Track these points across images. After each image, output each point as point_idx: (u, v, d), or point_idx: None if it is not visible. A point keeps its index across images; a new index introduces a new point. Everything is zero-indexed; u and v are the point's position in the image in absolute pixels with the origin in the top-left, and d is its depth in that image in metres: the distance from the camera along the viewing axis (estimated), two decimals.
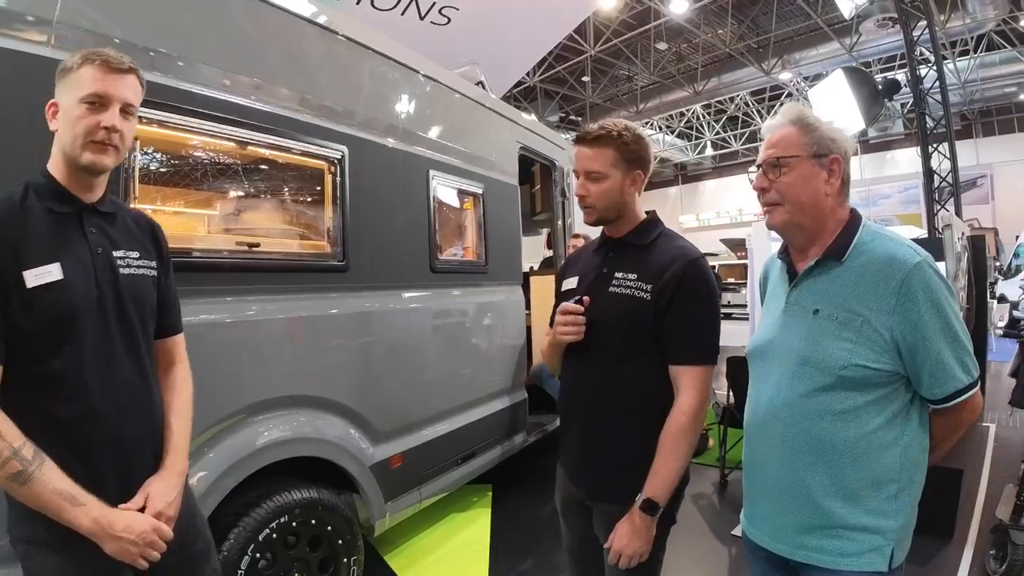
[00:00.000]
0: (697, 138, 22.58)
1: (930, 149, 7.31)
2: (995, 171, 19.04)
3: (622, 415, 1.56)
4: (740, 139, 22.12)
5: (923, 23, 7.47)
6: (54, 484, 1.17)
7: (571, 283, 1.71)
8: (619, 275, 1.58)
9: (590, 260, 1.71)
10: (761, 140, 1.38)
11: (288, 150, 2.40)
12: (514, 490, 4.24)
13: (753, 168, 1.37)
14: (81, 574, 1.26)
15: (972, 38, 13.94)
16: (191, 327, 1.96)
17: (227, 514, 2.07)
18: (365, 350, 2.70)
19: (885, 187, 16.39)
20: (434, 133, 3.26)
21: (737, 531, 3.49)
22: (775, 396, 1.31)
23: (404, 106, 3.05)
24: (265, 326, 2.26)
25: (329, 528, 2.35)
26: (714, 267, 12.00)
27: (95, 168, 1.27)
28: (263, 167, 2.42)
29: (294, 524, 2.22)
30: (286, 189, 2.56)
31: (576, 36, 14.03)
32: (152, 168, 2.06)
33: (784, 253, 1.41)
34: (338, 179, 2.58)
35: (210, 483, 1.99)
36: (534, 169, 5.21)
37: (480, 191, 3.65)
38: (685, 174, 27.01)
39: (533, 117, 5.42)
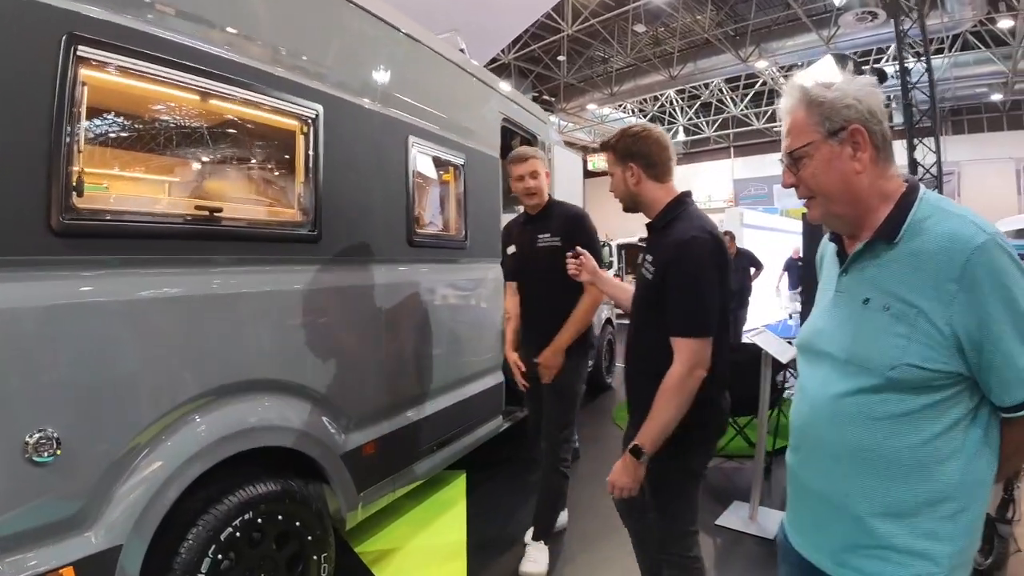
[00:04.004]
0: (670, 123, 22.54)
1: (915, 141, 7.36)
2: (962, 169, 19.47)
3: (641, 371, 1.90)
4: (712, 125, 22.19)
5: (903, 18, 7.43)
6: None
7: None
8: (647, 257, 1.89)
9: (646, 243, 2.01)
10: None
11: (257, 105, 2.14)
12: (489, 475, 4.09)
13: (780, 160, 1.21)
14: None
15: (948, 37, 14.09)
16: (137, 302, 1.76)
17: (184, 511, 1.85)
18: (337, 329, 2.48)
19: None
20: (415, 97, 3.02)
21: (721, 520, 3.42)
22: (818, 395, 1.15)
23: (384, 66, 2.80)
24: (226, 301, 2.01)
25: (298, 523, 2.15)
26: None
27: None
28: (228, 125, 2.16)
29: (259, 520, 2.01)
30: (253, 151, 2.32)
31: (554, 14, 13.79)
32: (101, 121, 1.80)
33: (835, 235, 1.24)
34: (311, 141, 2.33)
35: (163, 479, 1.76)
36: (514, 143, 4.98)
37: (461, 162, 3.42)
38: None
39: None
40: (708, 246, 1.74)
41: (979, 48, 15.06)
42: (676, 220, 1.83)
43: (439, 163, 3.26)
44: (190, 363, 1.89)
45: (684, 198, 1.89)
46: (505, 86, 4.21)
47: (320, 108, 2.35)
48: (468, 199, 3.51)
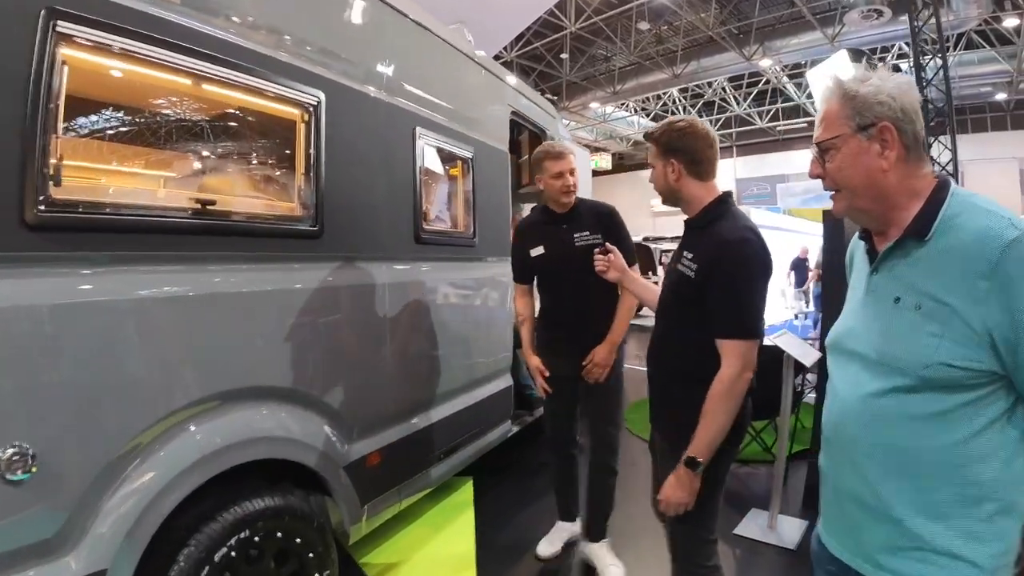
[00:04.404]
0: None
1: (930, 139, 7.26)
2: (966, 169, 19.28)
3: (674, 373, 1.86)
4: (715, 125, 22.05)
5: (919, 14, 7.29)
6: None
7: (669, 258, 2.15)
8: (685, 254, 1.81)
9: (681, 240, 1.95)
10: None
11: (255, 91, 1.99)
12: (497, 481, 3.94)
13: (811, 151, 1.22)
14: None
15: (952, 36, 13.94)
16: (121, 303, 1.61)
17: (176, 529, 1.70)
18: (339, 332, 2.32)
19: None
20: (423, 86, 2.87)
21: (739, 529, 3.28)
22: (849, 395, 1.13)
23: (391, 53, 2.65)
24: (219, 302, 1.86)
25: (298, 540, 1.99)
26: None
27: None
28: (223, 112, 2.03)
29: (256, 539, 1.86)
30: (250, 140, 2.17)
31: (557, 12, 13.66)
32: (83, 105, 1.66)
33: (864, 233, 1.22)
34: (312, 130, 2.18)
35: (152, 496, 1.61)
36: (521, 138, 4.84)
37: (470, 155, 3.27)
38: None
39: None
40: (756, 247, 1.70)
41: (984, 47, 14.91)
42: (719, 219, 1.77)
43: (447, 156, 3.11)
44: (179, 370, 1.73)
45: (726, 198, 1.84)
46: (513, 79, 4.05)
47: (322, 95, 2.20)
48: (477, 195, 3.35)
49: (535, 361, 2.74)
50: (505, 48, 14.49)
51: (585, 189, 5.14)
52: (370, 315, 2.47)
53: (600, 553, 2.85)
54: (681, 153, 1.80)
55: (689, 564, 1.89)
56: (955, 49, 14.77)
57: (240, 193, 2.13)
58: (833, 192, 1.16)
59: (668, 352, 1.88)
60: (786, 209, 19.19)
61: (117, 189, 1.81)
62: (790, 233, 11.15)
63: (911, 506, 1.04)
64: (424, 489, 2.91)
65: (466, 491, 3.76)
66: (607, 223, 2.70)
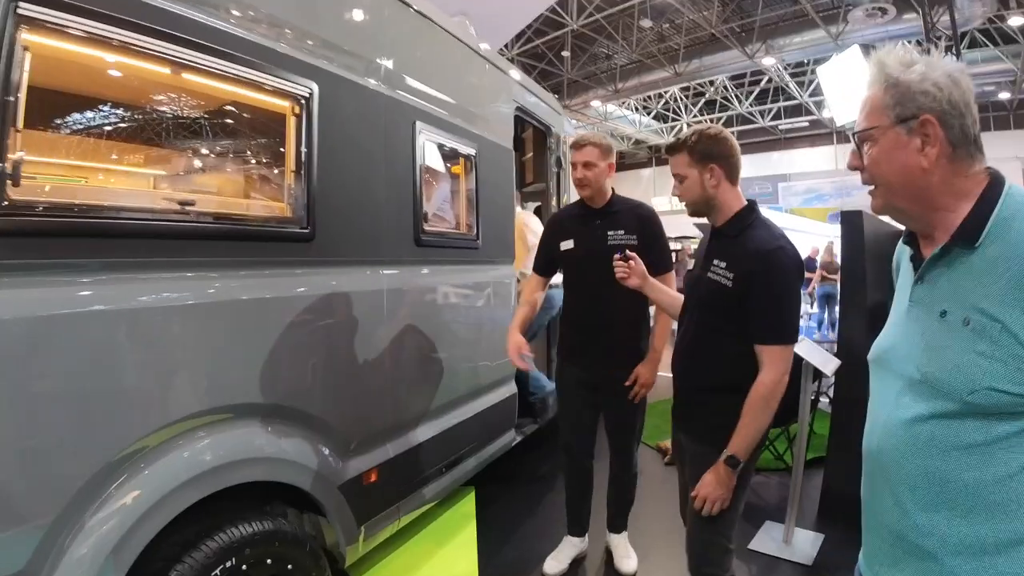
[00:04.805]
0: (673, 121, 22.23)
1: None
2: None
3: (708, 381, 1.86)
4: (717, 123, 21.83)
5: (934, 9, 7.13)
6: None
7: (691, 265, 2.05)
8: (716, 262, 1.83)
9: (703, 247, 1.98)
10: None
11: (240, 81, 1.84)
12: (500, 492, 3.79)
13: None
14: None
15: (956, 34, 13.79)
16: (98, 315, 1.46)
17: (156, 560, 1.55)
18: (334, 342, 2.17)
19: (859, 178, 16.31)
20: (424, 79, 2.72)
21: (754, 544, 3.13)
22: (890, 419, 1.01)
23: (391, 43, 2.49)
24: (204, 313, 1.71)
25: (290, 567, 1.85)
26: (675, 251, 11.65)
27: None
28: (204, 104, 1.87)
29: (244, 567, 1.71)
30: (234, 135, 2.02)
31: (558, 9, 13.49)
32: (47, 95, 1.50)
33: (910, 237, 1.08)
34: (304, 124, 2.03)
35: (132, 523, 1.47)
36: (525, 135, 4.68)
37: (473, 153, 3.12)
38: (659, 156, 26.71)
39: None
40: (792, 254, 1.76)
41: (987, 46, 14.76)
42: (751, 228, 1.82)
43: (449, 153, 2.96)
44: (154, 388, 1.58)
45: (755, 206, 1.89)
46: (517, 73, 3.90)
47: (315, 86, 2.05)
48: (480, 194, 3.20)
49: (516, 338, 2.53)
50: (506, 45, 14.33)
51: None
52: (366, 323, 2.31)
53: (619, 544, 2.94)
54: (721, 159, 1.83)
55: (707, 572, 1.90)
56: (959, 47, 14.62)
57: (223, 193, 1.98)
58: (871, 187, 1.06)
59: (701, 360, 1.88)
60: (788, 208, 19.08)
61: (85, 190, 1.66)
62: (797, 233, 11.07)
63: (951, 543, 0.92)
64: (424, 505, 2.76)
65: (468, 502, 3.61)
66: (645, 226, 2.61)
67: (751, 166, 22.93)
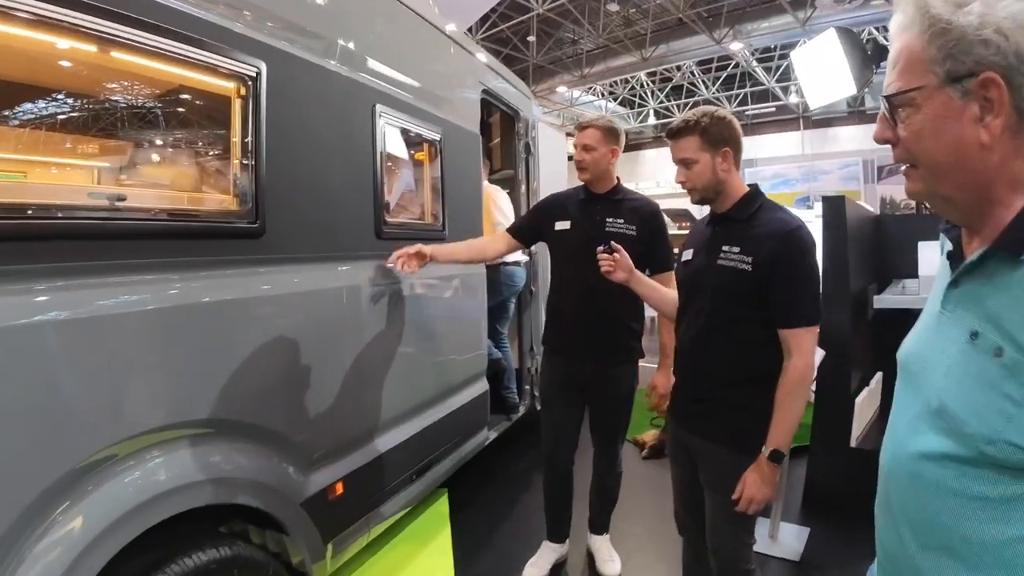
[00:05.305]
0: (640, 106, 22.17)
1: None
2: None
3: (719, 373, 1.77)
4: (684, 109, 21.88)
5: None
6: None
7: (687, 255, 1.92)
8: (725, 248, 1.75)
9: (702, 234, 1.89)
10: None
11: (176, 59, 1.62)
12: (474, 492, 3.65)
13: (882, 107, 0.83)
14: None
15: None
16: (17, 330, 1.25)
17: None
18: (290, 347, 1.97)
19: (825, 163, 16.51)
20: (385, 58, 2.51)
21: None
22: (902, 443, 0.83)
23: (348, 18, 2.29)
24: (141, 322, 1.51)
25: None
26: None
27: None
28: (135, 84, 1.65)
29: None
30: (171, 119, 1.81)
31: None
32: None
33: (951, 225, 0.86)
34: (251, 107, 1.82)
35: (72, 560, 1.28)
36: (492, 120, 4.49)
37: (438, 138, 2.93)
38: (626, 143, 26.68)
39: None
40: (809, 235, 1.70)
41: None
42: (762, 210, 1.76)
43: (412, 138, 2.76)
44: (83, 407, 1.38)
45: (759, 189, 1.83)
46: (484, 55, 3.71)
47: (263, 65, 1.84)
48: (446, 182, 3.01)
49: (424, 247, 2.42)
50: (470, 30, 14.02)
51: (559, 171, 4.84)
52: (325, 325, 2.13)
53: (601, 546, 2.87)
54: (732, 142, 1.77)
55: (733, 569, 1.85)
56: None
57: (159, 186, 1.78)
58: (907, 167, 0.81)
59: (719, 353, 1.77)
60: None
61: None
62: None
63: None
64: (395, 514, 2.59)
65: (442, 504, 3.46)
66: (648, 220, 2.53)
67: None
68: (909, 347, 0.91)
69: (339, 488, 2.12)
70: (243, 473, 1.74)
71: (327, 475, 2.08)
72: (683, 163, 1.80)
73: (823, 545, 3.02)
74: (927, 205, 0.87)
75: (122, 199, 1.53)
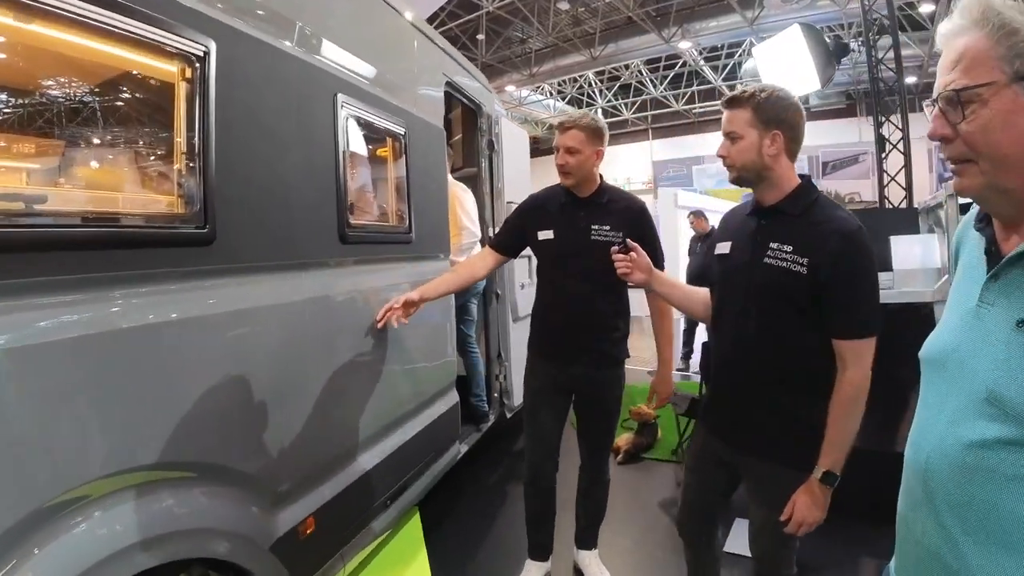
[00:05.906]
0: (588, 105, 22.25)
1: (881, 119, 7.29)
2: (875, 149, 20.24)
3: (765, 381, 1.63)
4: (632, 108, 22.11)
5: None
6: None
7: (724, 247, 1.76)
8: (774, 246, 1.60)
9: (743, 225, 1.72)
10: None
11: (109, 36, 1.36)
12: (447, 509, 3.45)
13: (928, 103, 0.88)
14: None
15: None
16: None
17: None
18: (247, 371, 1.72)
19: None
20: (346, 44, 2.28)
21: (729, 547, 2.91)
22: (945, 436, 0.86)
23: None
24: (72, 350, 1.24)
25: None
26: None
27: None
28: (61, 67, 1.39)
29: None
30: (103, 108, 1.53)
31: None
32: None
33: (984, 221, 0.92)
34: (198, 92, 1.57)
35: None
36: (453, 115, 4.28)
37: (403, 131, 2.70)
38: None
39: None
40: (868, 237, 1.55)
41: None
42: (818, 207, 1.60)
43: (376, 132, 2.54)
44: (12, 456, 1.12)
45: (812, 181, 1.67)
46: (445, 44, 3.49)
47: (212, 44, 1.60)
48: (412, 179, 2.79)
49: (411, 293, 2.33)
50: None
51: (522, 168, 4.67)
52: (285, 343, 1.88)
53: (591, 562, 2.72)
54: (786, 126, 1.60)
55: (776, 574, 1.78)
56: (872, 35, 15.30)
57: (90, 186, 1.51)
58: (962, 162, 0.84)
59: (763, 360, 1.63)
60: (702, 190, 19.55)
61: None
62: (714, 213, 11.24)
63: None
64: (370, 544, 2.36)
65: (414, 526, 3.24)
66: (635, 221, 2.34)
67: (665, 149, 23.40)
68: (939, 344, 0.94)
69: (310, 525, 1.88)
70: (202, 521, 1.49)
71: (296, 512, 1.85)
72: (729, 136, 1.65)
73: (812, 548, 2.93)
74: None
75: (42, 200, 1.27)
